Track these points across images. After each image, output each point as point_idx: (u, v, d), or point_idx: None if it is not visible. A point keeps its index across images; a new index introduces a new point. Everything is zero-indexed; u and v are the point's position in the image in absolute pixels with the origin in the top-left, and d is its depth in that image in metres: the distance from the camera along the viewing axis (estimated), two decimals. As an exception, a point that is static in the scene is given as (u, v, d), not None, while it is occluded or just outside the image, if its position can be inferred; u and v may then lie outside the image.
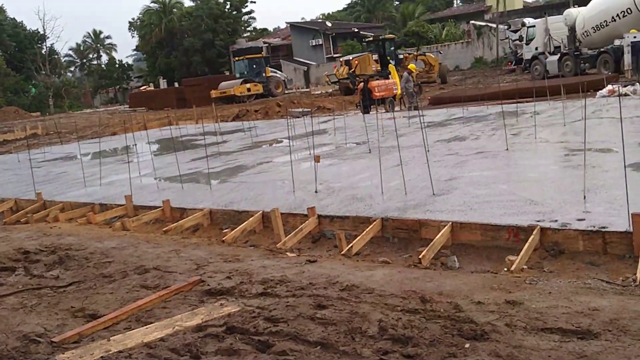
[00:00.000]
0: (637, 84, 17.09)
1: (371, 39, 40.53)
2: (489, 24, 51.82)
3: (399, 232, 6.46)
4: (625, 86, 16.94)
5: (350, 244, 6.06)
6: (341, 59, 37.22)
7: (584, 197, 6.35)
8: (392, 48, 36.61)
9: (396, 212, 6.72)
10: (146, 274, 5.36)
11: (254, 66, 42.97)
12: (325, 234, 6.94)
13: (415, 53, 38.13)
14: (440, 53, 44.06)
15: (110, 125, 30.77)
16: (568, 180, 7.39)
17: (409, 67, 22.03)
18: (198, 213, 7.98)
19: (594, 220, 5.58)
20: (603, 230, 5.35)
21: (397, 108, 21.10)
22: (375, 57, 35.13)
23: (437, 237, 5.86)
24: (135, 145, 18.53)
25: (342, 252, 5.97)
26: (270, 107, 29.24)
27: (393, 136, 13.48)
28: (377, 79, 24.90)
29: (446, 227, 6.03)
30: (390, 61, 34.31)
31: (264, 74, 42.57)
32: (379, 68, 33.83)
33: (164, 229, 7.51)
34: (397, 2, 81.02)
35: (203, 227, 7.90)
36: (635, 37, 21.66)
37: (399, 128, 14.43)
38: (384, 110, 20.85)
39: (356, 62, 33.94)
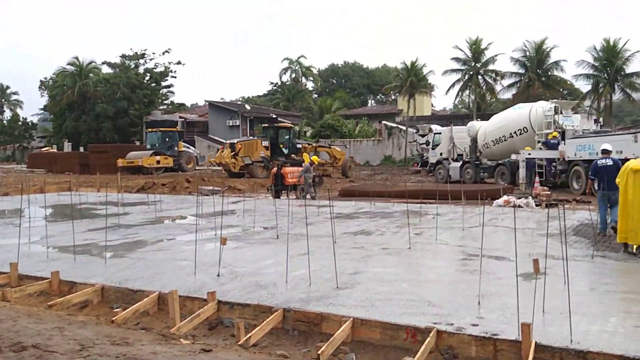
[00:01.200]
0: (530, 197, 18.39)
1: (266, 124, 40.96)
2: (399, 126, 54.87)
3: (300, 325, 6.38)
4: (519, 198, 18.18)
5: (249, 334, 5.90)
6: (227, 142, 36.56)
7: (479, 302, 6.60)
8: (288, 137, 36.37)
9: (299, 303, 6.67)
10: (23, 352, 4.91)
11: (167, 139, 42.56)
12: (224, 321, 6.73)
13: (314, 144, 38.56)
14: (346, 147, 44.87)
15: (3, 184, 28.99)
16: (464, 284, 7.68)
17: (312, 158, 22.62)
18: (89, 288, 7.54)
19: (486, 327, 5.78)
20: (495, 337, 5.55)
21: (292, 196, 21.43)
22: (265, 143, 34.92)
23: (337, 333, 5.83)
24: (29, 208, 17.49)
25: (239, 343, 5.79)
26: (179, 182, 28.79)
27: (302, 223, 13.63)
28: (291, 166, 25.38)
29: (347, 323, 6.03)
30: (284, 149, 35.10)
31: (176, 148, 42.18)
32: (268, 154, 33.99)
33: (49, 303, 7.00)
34: (315, 95, 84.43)
35: (92, 304, 7.43)
36: (529, 153, 23.57)
37: (308, 216, 14.61)
38: (295, 197, 21.10)
39: (239, 146, 33.57)
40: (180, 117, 62.38)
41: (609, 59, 47.92)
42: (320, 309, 6.46)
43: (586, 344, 5.22)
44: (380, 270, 8.51)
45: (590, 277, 8.03)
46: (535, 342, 5.24)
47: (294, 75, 76.00)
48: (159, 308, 7.06)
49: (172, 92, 68.66)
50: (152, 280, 8.01)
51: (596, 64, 48.72)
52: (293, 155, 35.42)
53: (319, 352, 5.41)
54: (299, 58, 74.44)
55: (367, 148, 55.58)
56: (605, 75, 48.19)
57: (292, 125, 39.32)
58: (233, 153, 33.09)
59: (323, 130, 57.51)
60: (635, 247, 9.63)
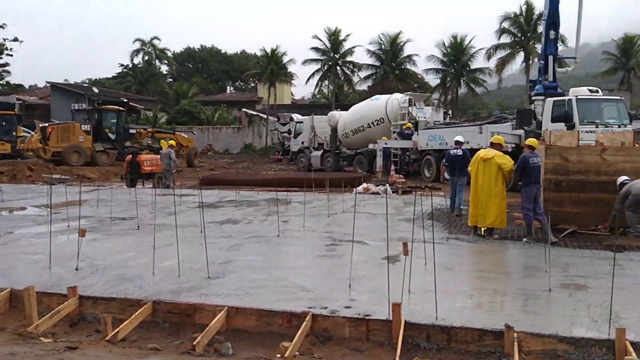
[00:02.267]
0: (387, 184, 19.41)
1: (90, 107, 37.70)
2: (260, 114, 54.93)
3: (172, 317, 6.23)
4: (377, 185, 19.11)
5: (117, 329, 5.65)
6: (40, 125, 33.22)
7: (350, 285, 6.88)
8: (115, 120, 33.27)
9: (169, 295, 6.51)
10: None
11: (4, 123, 38.84)
12: (87, 317, 6.37)
13: (150, 130, 35.76)
14: (193, 133, 42.75)
15: None
16: (335, 268, 7.96)
17: (169, 142, 21.50)
18: None
19: (359, 308, 6.05)
20: (367, 318, 5.83)
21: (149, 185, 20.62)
22: (85, 127, 32.09)
23: (212, 323, 5.78)
24: None
25: (107, 338, 5.53)
26: (20, 169, 26.58)
27: (163, 213, 13.24)
28: (147, 153, 24.43)
29: (222, 312, 6.00)
30: (110, 135, 32.70)
31: (14, 133, 38.70)
32: (91, 140, 31.68)
33: None
34: (170, 80, 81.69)
35: None
36: (386, 143, 24.84)
37: (169, 206, 14.22)
38: (152, 186, 20.38)
39: (50, 130, 30.80)
40: (18, 100, 57.28)
41: (456, 55, 51.71)
42: (192, 300, 6.35)
43: (450, 319, 5.67)
44: (251, 259, 8.54)
45: (448, 258, 8.69)
46: (405, 321, 5.59)
47: (147, 58, 72.85)
48: (11, 306, 6.51)
49: (8, 72, 62.69)
50: (1, 276, 7.36)
51: (444, 60, 52.34)
52: (127, 142, 33.10)
53: (195, 342, 5.34)
54: (152, 39, 71.45)
55: (227, 136, 55.06)
56: (453, 70, 51.95)
57: (123, 109, 34.88)
58: (40, 138, 30.52)
59: (179, 117, 55.96)
60: (483, 229, 10.57)
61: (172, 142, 21.92)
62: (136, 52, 72.15)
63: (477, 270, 8.45)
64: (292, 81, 60.48)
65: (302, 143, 32.59)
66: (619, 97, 20.33)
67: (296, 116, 36.54)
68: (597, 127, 17.48)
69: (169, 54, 77.55)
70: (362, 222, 12.23)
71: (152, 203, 13.87)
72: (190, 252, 8.74)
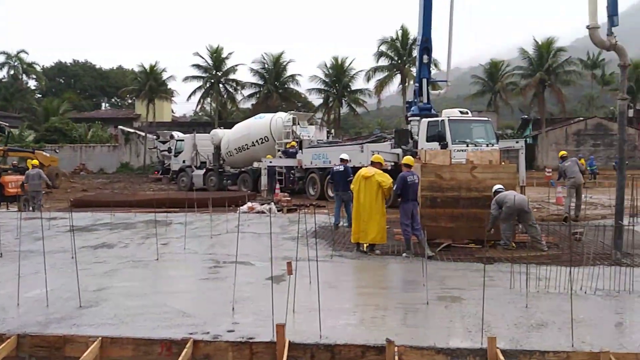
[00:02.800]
0: (272, 203, 19.44)
1: None
2: (137, 132, 53.12)
3: (39, 351, 5.78)
4: (262, 204, 19.09)
5: (-26, 368, 5.16)
6: None
7: (233, 308, 6.77)
8: None
9: (36, 327, 6.05)
10: None
11: None
12: (-62, 356, 5.76)
13: (1, 148, 32.07)
14: (56, 152, 39.49)
15: None
16: (218, 291, 7.81)
17: (33, 162, 20.12)
18: None
19: (242, 331, 5.96)
20: (250, 341, 5.75)
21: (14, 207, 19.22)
22: None
23: (84, 355, 5.43)
24: None
25: (-38, 379, 5.03)
26: None
27: (29, 239, 12.37)
28: (11, 174, 22.77)
29: (95, 343, 5.66)
30: None
31: None
32: None
33: None
34: (39, 95, 77.03)
35: None
36: (270, 161, 24.92)
37: (36, 231, 13.31)
38: (17, 209, 18.99)
39: None
40: None
41: (338, 76, 53.23)
42: (62, 331, 5.95)
43: (334, 337, 5.74)
44: (128, 285, 8.17)
45: (332, 275, 8.83)
46: (289, 341, 5.58)
47: (12, 72, 68.18)
48: None
49: None
50: None
51: (327, 80, 53.67)
52: None
53: (65, 378, 5.00)
54: (18, 53, 67.06)
55: (102, 154, 52.70)
56: (334, 90, 53.38)
57: None
58: None
59: (49, 135, 52.78)
60: (365, 245, 10.88)
61: (35, 162, 20.47)
62: (0, 66, 67.40)
63: (360, 287, 8.65)
64: (173, 98, 59.20)
65: (184, 162, 31.91)
66: (486, 119, 21.86)
67: (177, 134, 35.76)
68: (467, 146, 18.63)
69: (38, 68, 73.19)
70: (246, 242, 12.13)
71: (17, 227, 12.89)
72: (60, 280, 8.21)
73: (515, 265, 8.35)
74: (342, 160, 14.69)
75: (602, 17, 10.24)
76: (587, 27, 10.14)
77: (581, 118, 50.41)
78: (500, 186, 11.27)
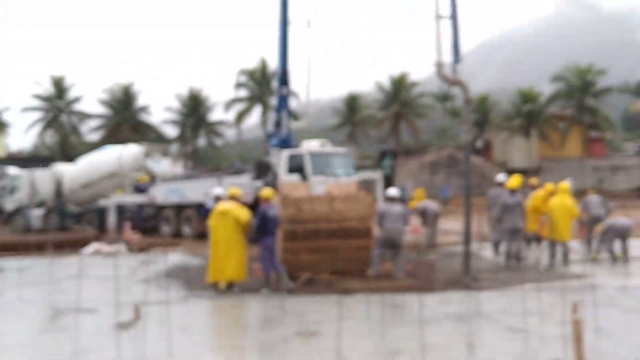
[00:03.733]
0: (121, 243, 18.63)
1: None
2: (-35, 168, 48.58)
3: None
4: (109, 245, 18.22)
5: None
6: None
7: (74, 360, 6.38)
8: None
9: None
10: None
11: None
12: None
13: None
14: None
15: None
16: (57, 344, 7.31)
17: None
18: None
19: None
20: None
21: None
22: None
23: None
24: None
25: None
26: None
27: None
28: None
29: None
30: None
31: None
32: None
33: None
34: None
35: None
36: (119, 198, 23.93)
37: None
38: None
39: None
40: None
41: (194, 107, 52.76)
42: None
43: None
44: (-52, 342, 7.40)
45: (187, 317, 8.62)
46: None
47: None
48: None
49: None
50: None
51: (183, 111, 52.97)
52: None
53: None
54: None
55: None
56: (191, 121, 52.78)
57: None
58: None
59: None
60: (223, 284, 10.74)
61: None
62: None
63: (216, 328, 8.53)
64: (8, 130, 55.14)
65: (20, 201, 29.64)
66: (345, 151, 22.74)
67: (12, 170, 33.17)
68: (327, 177, 19.21)
69: None
70: (91, 287, 11.52)
71: None
72: None
73: (372, 295, 8.71)
74: (216, 197, 13.11)
75: (449, 55, 11.23)
76: (434, 63, 11.05)
77: (435, 149, 53.99)
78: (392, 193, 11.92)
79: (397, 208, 11.75)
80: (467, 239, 11.02)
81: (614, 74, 71.09)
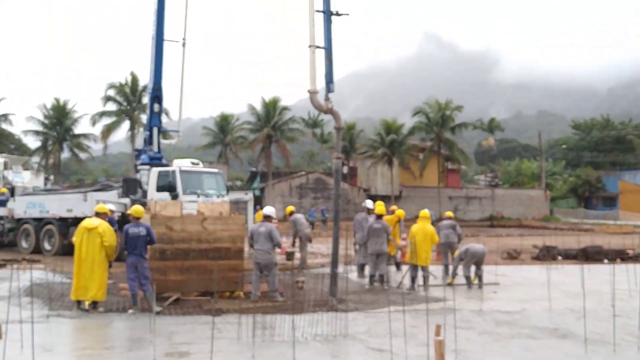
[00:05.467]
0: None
1: None
2: None
3: None
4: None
5: None
6: None
7: None
8: None
9: None
10: None
11: None
12: None
13: None
14: None
15: None
16: None
17: None
18: None
19: None
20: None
21: None
22: None
23: None
24: None
25: None
26: None
27: None
28: None
29: None
30: None
31: None
32: None
33: None
34: None
35: None
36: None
37: None
38: None
39: None
40: None
41: (59, 118, 49.91)
42: None
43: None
44: None
45: (48, 338, 8.12)
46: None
47: None
48: None
49: None
50: None
51: (46, 122, 49.91)
52: None
53: None
54: None
55: None
56: (55, 133, 49.84)
57: None
58: None
59: None
60: (87, 303, 10.24)
61: None
62: None
63: (80, 348, 8.11)
64: None
65: None
66: (217, 170, 22.53)
67: None
68: (198, 197, 18.94)
69: None
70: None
71: None
72: None
73: (243, 315, 8.72)
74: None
75: (322, 83, 11.55)
76: (308, 91, 11.33)
77: (303, 173, 55.03)
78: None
79: (263, 228, 11.79)
80: (334, 261, 11.35)
81: (470, 111, 76.91)
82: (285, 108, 53.17)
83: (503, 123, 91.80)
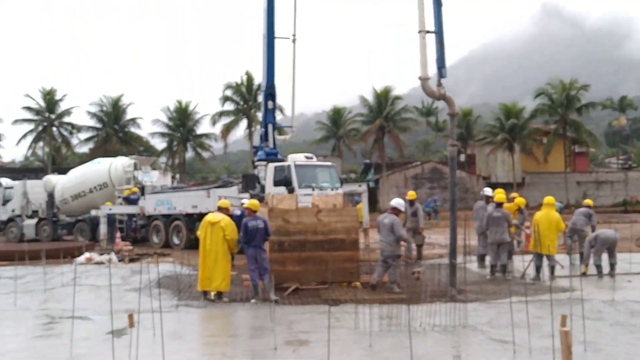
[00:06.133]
0: (112, 252, 18.59)
1: None
2: (-44, 178, 48.06)
3: None
4: (101, 254, 18.18)
5: None
6: None
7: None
8: None
9: None
10: None
11: None
12: None
13: None
14: None
15: None
16: (52, 350, 7.35)
17: None
18: None
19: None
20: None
21: None
22: None
23: None
24: None
25: None
26: None
27: None
28: None
29: None
30: None
31: None
32: None
33: None
34: None
35: None
36: (110, 209, 23.87)
37: None
38: None
39: None
40: None
41: (182, 120, 52.77)
42: None
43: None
44: (-55, 349, 7.40)
45: (177, 326, 8.67)
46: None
47: None
48: None
49: None
50: None
51: (170, 124, 52.95)
52: None
53: None
54: None
55: None
56: (179, 134, 52.76)
57: None
58: None
59: None
60: (213, 293, 10.80)
61: None
62: None
63: (207, 336, 8.58)
64: (0, 142, 54.76)
65: (13, 211, 29.40)
66: (331, 163, 22.87)
67: (5, 181, 32.94)
68: (313, 190, 19.32)
69: None
70: (84, 295, 11.51)
71: None
72: None
73: (360, 305, 8.80)
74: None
75: (433, 69, 11.32)
76: (419, 78, 11.13)
77: (418, 162, 54.29)
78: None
79: (387, 220, 11.77)
80: (452, 251, 11.14)
81: (598, 90, 72.04)
82: (397, 97, 52.67)
83: (636, 101, 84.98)
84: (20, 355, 7.17)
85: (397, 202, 12.09)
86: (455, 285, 10.88)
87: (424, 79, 11.07)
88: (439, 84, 11.29)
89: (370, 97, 52.59)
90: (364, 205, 21.10)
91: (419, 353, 6.76)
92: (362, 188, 22.43)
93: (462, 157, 54.74)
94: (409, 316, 7.44)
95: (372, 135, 51.41)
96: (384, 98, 51.74)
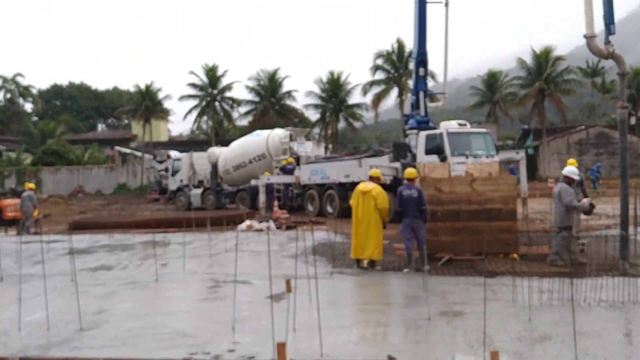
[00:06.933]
0: (270, 220, 19.50)
1: None
2: (134, 152, 53.25)
3: (39, 375, 5.84)
4: (260, 222, 19.14)
5: (-25, 394, 5.22)
6: None
7: (233, 328, 6.83)
8: None
9: (37, 351, 6.12)
10: None
11: None
12: (-62, 383, 5.82)
13: None
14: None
15: None
16: (217, 311, 7.87)
17: (29, 185, 20.48)
18: None
19: (243, 351, 6.02)
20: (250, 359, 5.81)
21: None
22: None
23: (85, 378, 5.50)
24: None
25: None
26: None
27: (29, 262, 12.44)
28: (10, 198, 22.89)
29: (96, 366, 5.72)
30: None
31: None
32: None
33: None
34: (35, 118, 77.51)
35: None
36: (268, 179, 25.01)
37: (35, 254, 13.37)
38: (16, 233, 19.06)
39: None
40: None
41: (334, 91, 53.54)
42: (63, 354, 6.01)
43: (335, 355, 5.80)
44: (128, 306, 8.23)
45: (332, 292, 8.88)
46: (290, 359, 5.63)
47: (9, 96, 68.60)
48: None
49: None
50: None
51: (323, 95, 53.97)
52: None
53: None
54: (15, 76, 67.45)
55: (99, 176, 52.82)
56: (332, 105, 53.66)
57: None
58: None
59: (46, 157, 52.98)
60: (366, 262, 10.92)
61: (31, 185, 20.68)
62: (-3, 90, 67.88)
63: (361, 303, 8.70)
64: (169, 117, 59.42)
65: (181, 181, 31.99)
66: (485, 130, 21.96)
67: (174, 153, 35.85)
68: (467, 158, 18.71)
69: (34, 91, 73.51)
70: (245, 261, 12.21)
71: (17, 251, 12.96)
72: (60, 303, 8.27)
73: (518, 278, 8.41)
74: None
75: (600, 25, 10.34)
76: (585, 36, 10.23)
77: (583, 127, 50.46)
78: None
79: (556, 189, 11.05)
80: (624, 222, 10.23)
81: None
82: (559, 58, 49.08)
83: None
84: (190, 316, 7.76)
85: (569, 170, 11.26)
86: (627, 258, 10.02)
87: (590, 37, 10.16)
88: (607, 42, 10.29)
89: (528, 59, 49.59)
90: (522, 174, 20.08)
91: (583, 329, 6.33)
92: (520, 155, 21.31)
93: (633, 120, 49.90)
94: (572, 290, 6.95)
95: (530, 99, 48.51)
96: (544, 59, 48.47)
